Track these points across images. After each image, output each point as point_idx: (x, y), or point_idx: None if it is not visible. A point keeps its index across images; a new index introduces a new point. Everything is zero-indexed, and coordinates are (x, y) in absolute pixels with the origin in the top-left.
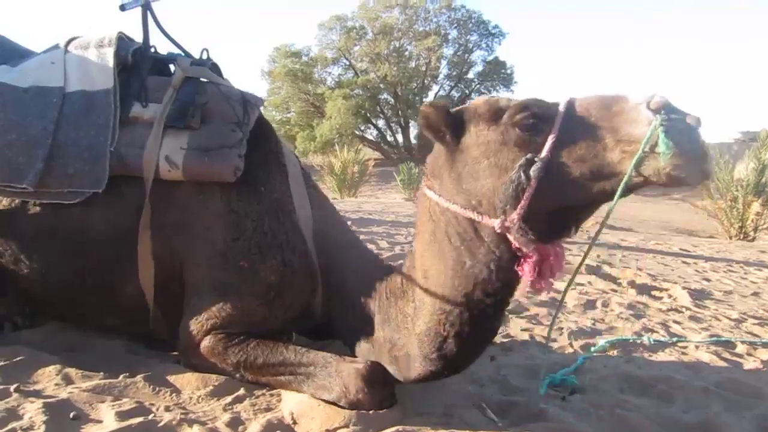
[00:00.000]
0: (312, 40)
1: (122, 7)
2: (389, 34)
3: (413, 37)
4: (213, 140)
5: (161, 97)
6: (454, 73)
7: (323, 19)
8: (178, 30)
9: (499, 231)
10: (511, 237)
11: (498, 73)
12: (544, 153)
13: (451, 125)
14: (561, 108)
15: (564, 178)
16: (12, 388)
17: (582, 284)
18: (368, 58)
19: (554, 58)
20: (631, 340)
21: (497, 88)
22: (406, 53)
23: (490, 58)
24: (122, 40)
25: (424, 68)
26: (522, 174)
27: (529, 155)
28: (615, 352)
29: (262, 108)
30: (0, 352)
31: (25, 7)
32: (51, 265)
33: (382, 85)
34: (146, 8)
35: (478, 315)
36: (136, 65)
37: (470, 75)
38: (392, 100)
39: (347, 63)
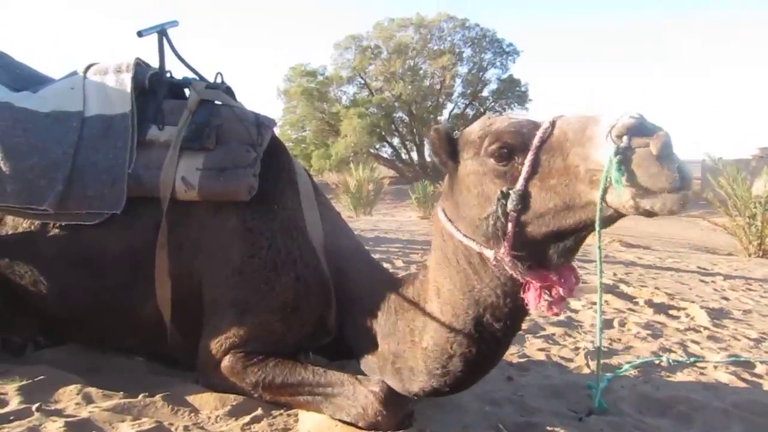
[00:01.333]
0: (327, 60)
1: (139, 33)
2: (404, 53)
3: (428, 55)
4: (228, 161)
5: (177, 120)
6: (469, 92)
7: (338, 38)
8: (193, 54)
9: (494, 263)
10: (506, 268)
11: (512, 90)
12: (518, 185)
13: (449, 151)
14: (538, 133)
15: (541, 209)
16: (34, 407)
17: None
18: (383, 77)
19: (570, 74)
20: (655, 362)
21: (512, 105)
22: (421, 72)
23: (505, 76)
24: (139, 66)
25: (438, 87)
26: (499, 208)
27: (504, 188)
28: (633, 373)
29: (275, 128)
30: (22, 372)
31: (44, 32)
32: (69, 285)
33: (396, 104)
34: (162, 34)
35: (486, 338)
36: (153, 89)
37: (485, 93)
38: (407, 118)
39: (362, 82)
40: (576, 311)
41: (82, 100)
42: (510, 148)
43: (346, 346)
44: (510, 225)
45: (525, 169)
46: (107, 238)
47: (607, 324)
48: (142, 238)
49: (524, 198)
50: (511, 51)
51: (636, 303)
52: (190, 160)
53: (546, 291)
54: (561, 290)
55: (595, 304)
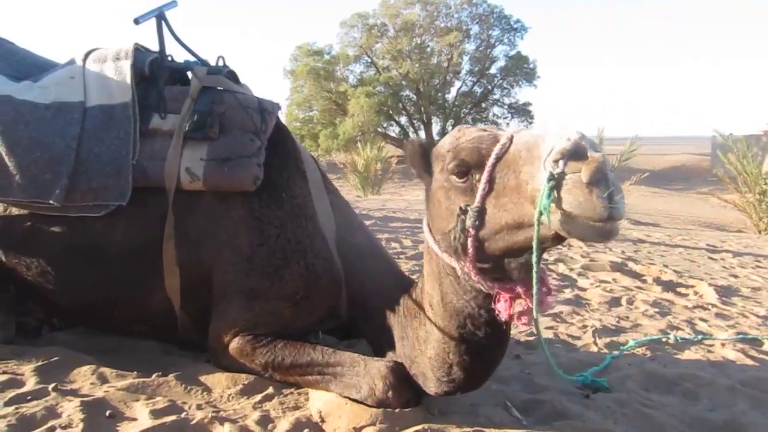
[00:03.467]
0: (334, 39)
1: (136, 21)
2: (411, 31)
3: (435, 33)
4: (232, 150)
5: (179, 108)
6: (476, 69)
7: (345, 17)
8: (197, 34)
9: (462, 275)
10: (473, 280)
11: (520, 67)
12: (475, 203)
13: (424, 165)
14: (495, 150)
15: (496, 225)
16: (50, 387)
17: (607, 281)
18: (390, 56)
19: (578, 50)
20: (663, 339)
21: (520, 83)
22: (428, 50)
23: (513, 53)
24: (139, 52)
25: (446, 64)
26: (459, 223)
27: (463, 204)
28: (641, 351)
29: (280, 112)
30: (38, 353)
31: (44, 19)
32: (77, 276)
33: (404, 82)
34: (161, 18)
35: (476, 346)
36: (154, 76)
37: (492, 70)
38: (414, 96)
39: (369, 60)
40: (584, 289)
41: (82, 90)
42: (467, 166)
43: (356, 328)
44: (470, 240)
45: (481, 187)
46: (113, 229)
47: (615, 302)
48: (149, 229)
49: (481, 214)
50: (519, 27)
51: (644, 281)
52: (193, 151)
53: (515, 301)
54: (528, 302)
55: (603, 282)
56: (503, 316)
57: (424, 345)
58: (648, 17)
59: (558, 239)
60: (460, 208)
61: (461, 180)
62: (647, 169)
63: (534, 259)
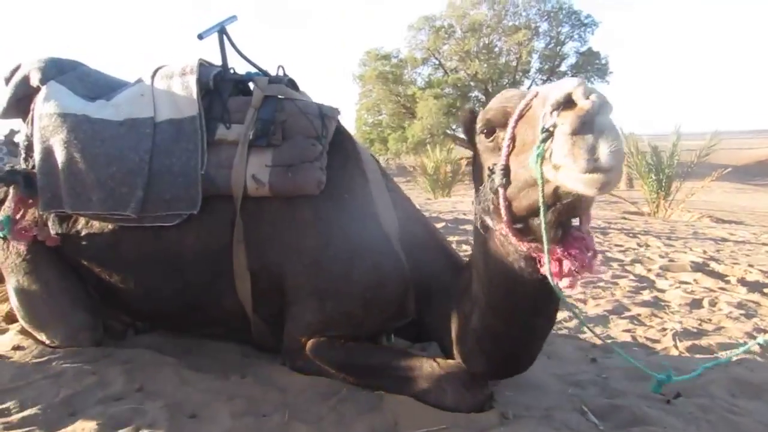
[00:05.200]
0: (401, 42)
1: (200, 36)
2: (478, 31)
3: (503, 32)
4: (295, 156)
5: (243, 118)
6: (546, 67)
7: (412, 20)
8: (261, 44)
9: (501, 237)
10: (511, 242)
11: (592, 64)
12: (500, 161)
13: (472, 131)
14: (518, 107)
15: (519, 183)
16: (135, 388)
17: (687, 282)
18: (458, 57)
19: (652, 45)
20: (759, 345)
21: (592, 79)
22: (496, 49)
23: (583, 49)
24: (203, 66)
25: (514, 63)
26: (488, 184)
27: (491, 164)
28: (724, 354)
29: (343, 116)
30: (124, 355)
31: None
32: (154, 283)
33: (472, 83)
34: (222, 33)
35: (520, 312)
36: (218, 89)
37: (563, 67)
38: (483, 97)
39: (437, 62)
40: (663, 291)
41: (152, 106)
42: (492, 126)
43: (426, 330)
44: (501, 200)
45: (504, 144)
46: (186, 237)
47: (697, 304)
48: (219, 235)
49: (507, 173)
50: (589, 23)
51: (728, 281)
52: (258, 158)
53: (561, 262)
54: (570, 265)
55: (683, 283)
56: (551, 279)
57: (469, 318)
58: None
59: (570, 195)
60: (489, 168)
61: (489, 140)
62: (730, 165)
63: (542, 215)
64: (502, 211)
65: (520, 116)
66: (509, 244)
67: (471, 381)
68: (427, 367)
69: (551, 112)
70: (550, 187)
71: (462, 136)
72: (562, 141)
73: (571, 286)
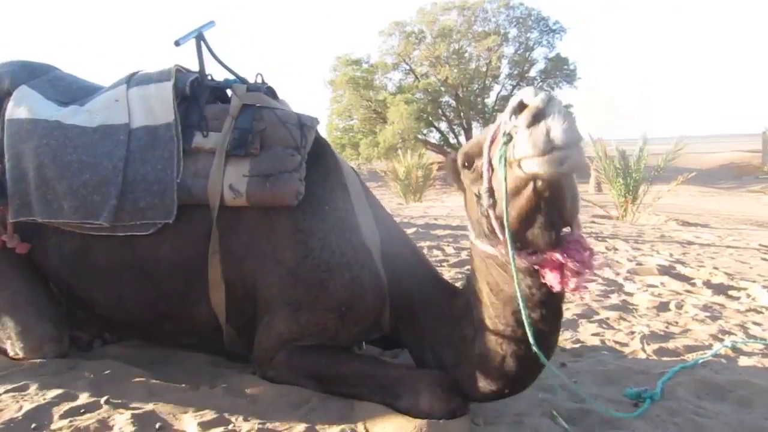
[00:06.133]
0: (372, 48)
1: (177, 43)
2: (448, 37)
3: (472, 38)
4: (273, 166)
5: (221, 126)
6: (516, 72)
7: (382, 26)
8: (237, 49)
9: (503, 259)
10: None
11: (560, 69)
12: (483, 184)
13: (456, 173)
14: (488, 134)
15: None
16: (102, 400)
17: (654, 285)
18: (428, 62)
19: (622, 48)
20: (722, 351)
21: (560, 84)
22: (466, 55)
23: (552, 54)
24: (180, 72)
25: (484, 69)
26: (479, 209)
27: (476, 190)
28: (690, 357)
29: (319, 125)
30: (91, 366)
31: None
32: (126, 291)
33: (443, 88)
34: (200, 39)
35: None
36: (195, 95)
37: (532, 73)
38: (454, 102)
39: (408, 68)
40: (631, 294)
41: (127, 112)
42: (471, 157)
43: (402, 344)
44: (492, 221)
45: (484, 168)
46: (161, 245)
47: (664, 307)
48: (195, 245)
49: (491, 193)
50: (557, 29)
51: (693, 284)
52: (236, 168)
53: (562, 270)
54: (572, 266)
55: (651, 286)
56: (556, 288)
57: (471, 343)
58: (696, 10)
59: (544, 183)
60: (476, 195)
61: (471, 171)
62: (695, 168)
63: (504, 205)
64: (497, 231)
65: (492, 141)
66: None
67: (444, 387)
68: (400, 374)
69: (509, 118)
70: (528, 186)
71: (433, 141)
72: (520, 135)
73: (578, 288)
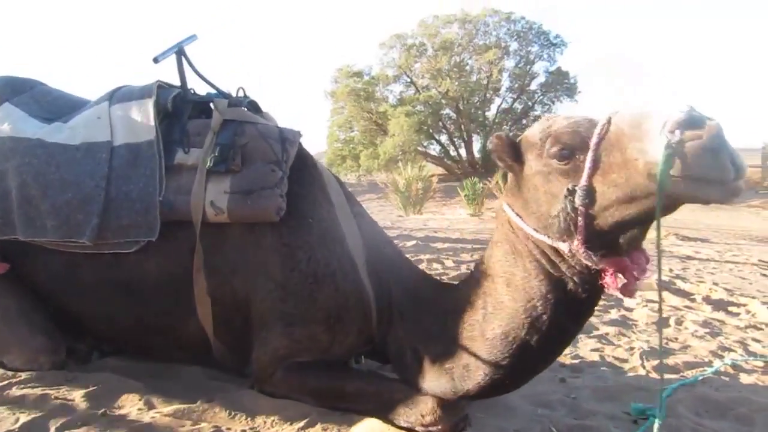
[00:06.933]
0: (373, 60)
1: (155, 60)
2: (449, 50)
3: (473, 51)
4: (254, 182)
5: (202, 141)
6: (516, 85)
7: (383, 38)
8: (238, 60)
9: (569, 254)
10: (581, 258)
11: (561, 83)
12: (582, 182)
13: (512, 155)
14: (596, 131)
15: (606, 202)
16: (99, 413)
17: (654, 301)
18: (429, 75)
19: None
20: (722, 368)
21: (560, 98)
22: (467, 68)
23: (553, 68)
24: (161, 89)
25: (485, 82)
26: (568, 204)
27: (570, 185)
28: (690, 373)
29: (302, 139)
30: (88, 379)
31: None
32: (113, 309)
33: (443, 101)
34: (180, 54)
35: (559, 321)
36: (177, 111)
37: (532, 86)
38: (454, 115)
39: (408, 80)
40: (630, 309)
41: (109, 130)
42: (570, 148)
43: (387, 353)
44: (580, 219)
45: (587, 166)
46: (145, 263)
47: (663, 322)
48: (180, 261)
49: (589, 193)
50: (558, 43)
51: (693, 300)
52: (217, 184)
53: (620, 274)
54: (635, 272)
55: (650, 302)
56: (612, 288)
57: (479, 329)
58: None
59: (671, 209)
60: (568, 189)
61: (563, 162)
62: None
63: (657, 226)
64: (580, 228)
65: (600, 139)
66: (575, 259)
67: (447, 402)
68: (402, 388)
69: (673, 131)
70: (649, 198)
71: (433, 153)
72: (703, 154)
73: (632, 293)
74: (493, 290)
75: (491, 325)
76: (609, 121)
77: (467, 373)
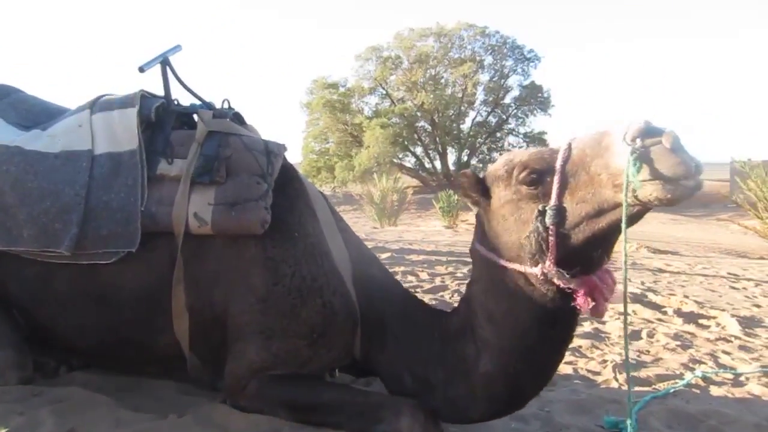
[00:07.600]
0: (349, 72)
1: (141, 69)
2: (425, 63)
3: (449, 64)
4: (239, 194)
5: (186, 152)
6: (491, 99)
7: (359, 50)
8: (212, 71)
9: (541, 278)
10: (554, 281)
11: (535, 97)
12: (552, 201)
13: (480, 189)
14: (560, 154)
15: (576, 218)
16: (67, 430)
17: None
18: (405, 87)
19: (593, 79)
20: (694, 380)
21: (534, 112)
22: (442, 81)
23: (527, 82)
24: (145, 98)
25: (460, 95)
26: (539, 225)
27: (540, 206)
28: (662, 386)
29: (287, 150)
30: (56, 394)
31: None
32: (89, 319)
33: (419, 113)
34: (165, 64)
35: (546, 349)
36: (160, 121)
37: (507, 100)
38: (429, 127)
39: (384, 92)
40: (603, 322)
41: (90, 138)
42: (538, 173)
43: (371, 367)
44: (551, 238)
45: (555, 186)
46: (123, 274)
47: (635, 335)
48: (159, 273)
49: (560, 211)
50: (532, 57)
51: (664, 312)
52: (201, 195)
53: (589, 297)
54: (604, 291)
55: (622, 314)
56: (584, 309)
57: (473, 363)
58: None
59: (637, 217)
60: (539, 210)
61: (532, 187)
62: None
63: (624, 233)
64: (552, 248)
65: (565, 161)
66: (547, 283)
67: (428, 418)
68: (378, 400)
69: (634, 139)
70: (616, 210)
71: (408, 165)
72: (667, 156)
73: (601, 314)
74: (478, 326)
75: (483, 360)
76: (569, 146)
77: (471, 403)
